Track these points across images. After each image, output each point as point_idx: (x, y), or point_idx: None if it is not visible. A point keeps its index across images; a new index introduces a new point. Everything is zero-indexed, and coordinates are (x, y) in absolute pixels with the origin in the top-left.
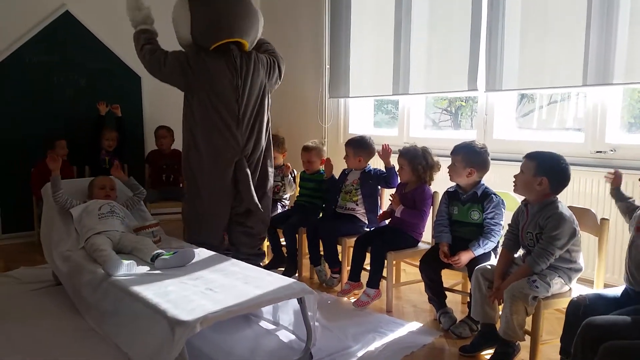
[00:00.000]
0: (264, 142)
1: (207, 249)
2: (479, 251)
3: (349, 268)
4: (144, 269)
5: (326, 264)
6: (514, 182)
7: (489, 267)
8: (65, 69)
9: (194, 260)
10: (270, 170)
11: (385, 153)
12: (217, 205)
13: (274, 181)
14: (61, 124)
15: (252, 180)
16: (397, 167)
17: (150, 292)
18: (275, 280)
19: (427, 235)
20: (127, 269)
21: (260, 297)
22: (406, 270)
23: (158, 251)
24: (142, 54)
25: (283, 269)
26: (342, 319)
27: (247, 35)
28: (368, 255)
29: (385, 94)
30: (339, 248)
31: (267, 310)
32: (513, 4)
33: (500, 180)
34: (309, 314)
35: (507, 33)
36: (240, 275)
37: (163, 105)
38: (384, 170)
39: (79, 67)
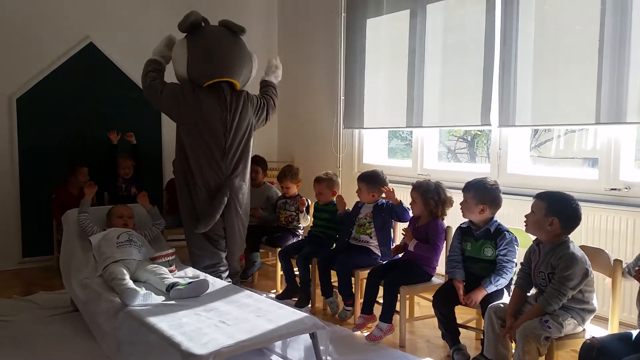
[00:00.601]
0: (248, 173)
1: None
2: (491, 288)
3: (362, 300)
4: (160, 299)
5: (339, 296)
6: (525, 221)
7: (502, 305)
8: (87, 98)
9: (208, 291)
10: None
11: (388, 195)
12: (214, 228)
13: (288, 211)
14: (82, 151)
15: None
16: (409, 201)
17: (165, 323)
18: (288, 314)
19: (440, 269)
20: (143, 299)
21: (273, 332)
22: (420, 304)
23: (173, 281)
24: (145, 78)
25: (296, 299)
26: (354, 353)
27: (237, 75)
28: (381, 288)
29: (399, 126)
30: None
31: (277, 344)
32: (525, 41)
33: (515, 215)
34: (321, 348)
35: (519, 69)
36: (253, 308)
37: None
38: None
39: (100, 96)
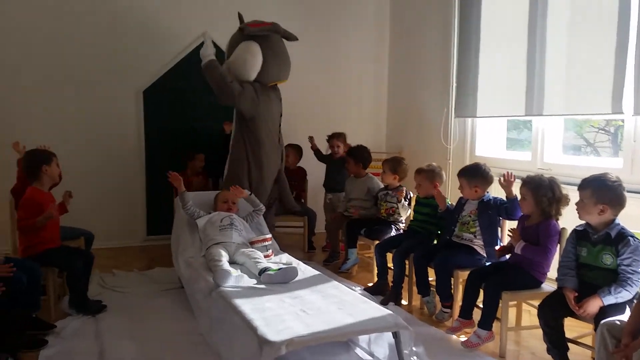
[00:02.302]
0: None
1: None
2: (609, 300)
3: (461, 303)
4: (251, 282)
5: (437, 296)
6: None
7: (618, 322)
8: (204, 90)
9: (297, 278)
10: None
11: (507, 182)
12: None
13: (390, 203)
14: (199, 139)
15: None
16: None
17: (248, 306)
18: (371, 309)
19: (552, 275)
20: (235, 281)
21: (350, 327)
22: (531, 312)
23: (265, 266)
24: (222, 80)
25: (384, 296)
26: (447, 357)
27: None
28: (482, 292)
29: (517, 115)
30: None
31: (363, 339)
32: None
33: None
34: (404, 350)
35: None
36: (337, 300)
37: (292, 124)
38: (506, 199)
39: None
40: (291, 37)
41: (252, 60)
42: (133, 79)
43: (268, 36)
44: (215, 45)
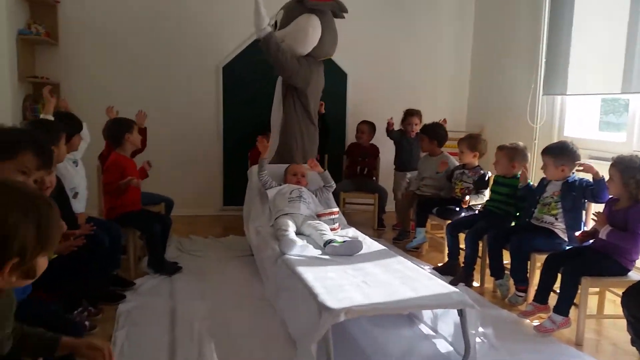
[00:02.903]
0: None
1: None
2: None
3: (536, 287)
4: (316, 252)
5: (510, 279)
6: None
7: None
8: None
9: (362, 252)
10: None
11: (586, 168)
12: None
13: (465, 183)
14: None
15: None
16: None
17: (311, 274)
18: (435, 286)
19: None
20: (300, 250)
21: (412, 301)
22: (616, 302)
23: (331, 238)
24: (283, 55)
25: (454, 276)
26: (516, 342)
27: None
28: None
29: (612, 92)
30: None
31: (428, 316)
32: None
33: None
34: (470, 330)
35: None
36: (400, 275)
37: (366, 101)
38: (592, 181)
39: None
40: (340, 16)
41: (314, 34)
42: (213, 55)
43: (325, 11)
44: None
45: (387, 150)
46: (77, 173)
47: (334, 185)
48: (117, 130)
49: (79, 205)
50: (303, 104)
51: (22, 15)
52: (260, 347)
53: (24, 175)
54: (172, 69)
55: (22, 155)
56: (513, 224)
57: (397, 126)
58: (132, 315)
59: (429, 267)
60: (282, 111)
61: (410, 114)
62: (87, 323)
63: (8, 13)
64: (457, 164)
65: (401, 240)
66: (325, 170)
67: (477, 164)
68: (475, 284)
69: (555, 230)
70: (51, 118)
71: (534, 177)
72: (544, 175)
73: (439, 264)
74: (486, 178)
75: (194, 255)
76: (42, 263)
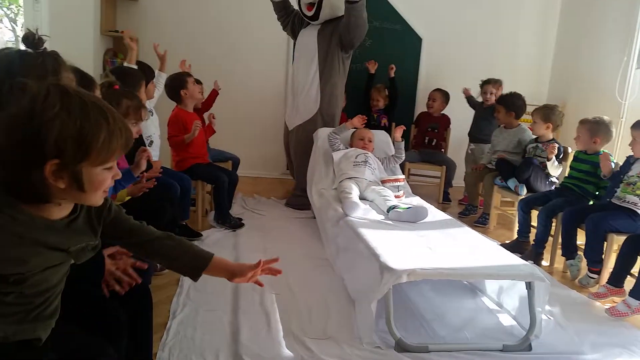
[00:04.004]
0: None
1: None
2: None
3: (610, 269)
4: (379, 217)
5: (583, 260)
6: None
7: None
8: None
9: (426, 220)
10: None
11: None
12: None
13: (540, 157)
14: (348, 80)
15: None
16: None
17: (374, 236)
18: (504, 257)
19: None
20: (363, 212)
21: (478, 269)
22: None
23: (395, 204)
24: (365, 19)
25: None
26: (585, 322)
27: None
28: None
29: None
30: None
31: (492, 289)
32: None
33: None
34: (537, 307)
35: None
36: (467, 244)
37: (441, 67)
38: None
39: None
40: None
41: None
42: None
43: None
44: None
45: (458, 121)
46: (151, 122)
47: (403, 157)
48: (172, 88)
49: (153, 153)
50: (345, 67)
51: None
52: (319, 302)
53: None
54: (246, 32)
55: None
56: (591, 203)
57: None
58: None
59: (496, 243)
60: (324, 74)
61: (487, 82)
62: (157, 265)
63: None
64: (533, 137)
65: (467, 215)
66: (402, 140)
67: (551, 136)
68: (545, 263)
69: (638, 211)
70: (134, 66)
71: (618, 156)
72: (631, 153)
73: (507, 241)
74: (561, 152)
75: (257, 214)
76: (94, 176)
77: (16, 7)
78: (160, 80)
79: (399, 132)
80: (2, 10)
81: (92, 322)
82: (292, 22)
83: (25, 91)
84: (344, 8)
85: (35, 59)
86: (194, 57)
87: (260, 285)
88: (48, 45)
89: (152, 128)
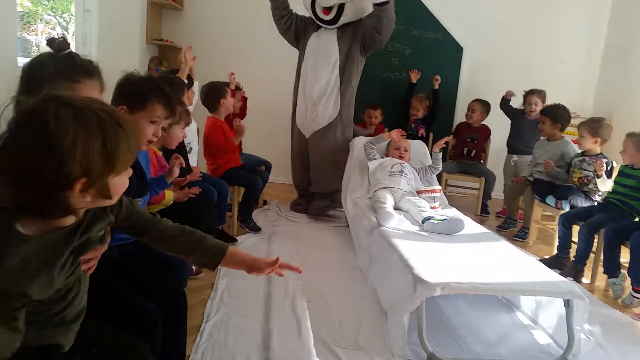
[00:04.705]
0: None
1: None
2: None
3: None
4: (413, 228)
5: (627, 278)
6: None
7: None
8: (394, 38)
9: (462, 232)
10: None
11: None
12: None
13: (585, 171)
14: (382, 89)
15: None
16: None
17: (408, 247)
18: (542, 272)
19: None
20: (397, 223)
21: (515, 285)
22: None
23: (430, 215)
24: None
25: (562, 270)
26: (627, 343)
27: None
28: None
29: None
30: None
31: (528, 305)
32: None
33: None
34: (576, 325)
35: None
36: (505, 258)
37: (482, 77)
38: None
39: (406, 37)
40: None
41: None
42: None
43: None
44: None
45: (497, 131)
46: (189, 129)
47: (440, 168)
48: (213, 94)
49: (192, 160)
50: (361, 69)
51: None
52: (351, 311)
53: (154, 125)
54: (285, 42)
55: (151, 105)
56: (637, 219)
57: (517, 106)
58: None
59: (534, 258)
60: (345, 78)
61: (531, 93)
62: (193, 268)
63: None
64: (578, 151)
65: (506, 229)
66: (441, 151)
67: (599, 151)
68: (585, 280)
69: None
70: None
71: None
72: None
73: (546, 257)
74: (609, 167)
75: (291, 221)
76: (118, 183)
77: (68, 15)
78: (194, 88)
79: (440, 144)
80: (56, 18)
81: (127, 321)
82: (294, 26)
83: (23, 111)
84: (373, 11)
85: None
86: (234, 65)
87: (281, 275)
88: (96, 53)
89: (191, 135)
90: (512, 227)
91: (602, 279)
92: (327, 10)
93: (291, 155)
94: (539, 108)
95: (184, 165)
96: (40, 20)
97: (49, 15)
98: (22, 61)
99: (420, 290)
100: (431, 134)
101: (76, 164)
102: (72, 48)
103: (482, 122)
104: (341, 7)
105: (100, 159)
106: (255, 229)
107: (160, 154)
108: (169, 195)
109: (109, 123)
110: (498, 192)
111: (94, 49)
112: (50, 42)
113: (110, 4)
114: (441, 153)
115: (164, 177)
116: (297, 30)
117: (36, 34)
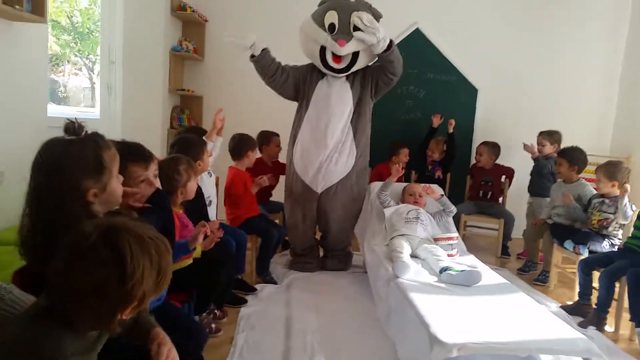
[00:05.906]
0: None
1: None
2: None
3: None
4: (431, 279)
5: None
6: None
7: None
8: (409, 81)
9: (480, 283)
10: None
11: None
12: None
13: (605, 213)
14: (400, 131)
15: None
16: None
17: (424, 301)
18: (559, 328)
19: None
20: (414, 275)
21: (532, 344)
22: None
23: (447, 265)
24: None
25: (584, 318)
26: None
27: None
28: None
29: None
30: None
31: None
32: None
33: None
34: None
35: None
36: (522, 313)
37: (497, 118)
38: None
39: (420, 80)
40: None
41: None
42: None
43: None
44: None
45: (518, 173)
46: (209, 183)
47: (455, 210)
48: (243, 145)
49: (211, 213)
50: (370, 119)
51: (175, 33)
52: None
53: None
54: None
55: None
56: None
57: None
58: (251, 320)
59: (555, 304)
60: (359, 126)
61: (539, 134)
62: (213, 326)
63: (165, 32)
64: (594, 192)
65: (527, 272)
66: (443, 195)
67: (617, 193)
68: (609, 328)
69: None
70: (211, 142)
71: None
72: None
73: (568, 302)
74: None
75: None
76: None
77: (94, 56)
78: (218, 144)
79: (430, 190)
80: (82, 60)
81: None
82: (292, 78)
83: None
84: (379, 58)
85: (76, 146)
86: (254, 114)
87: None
88: (121, 103)
89: (210, 188)
90: (532, 269)
91: (626, 327)
92: (339, 58)
93: (289, 219)
94: (546, 149)
95: (208, 234)
96: (68, 61)
97: (76, 56)
98: (51, 107)
99: (436, 350)
100: (448, 175)
101: (140, 292)
102: (97, 98)
103: (496, 162)
104: (355, 55)
105: (154, 286)
106: (272, 282)
107: (181, 211)
108: (199, 248)
109: (165, 252)
110: (519, 232)
111: (119, 98)
112: (66, 129)
113: (135, 56)
114: (444, 196)
115: (188, 243)
116: (295, 81)
117: (63, 75)
